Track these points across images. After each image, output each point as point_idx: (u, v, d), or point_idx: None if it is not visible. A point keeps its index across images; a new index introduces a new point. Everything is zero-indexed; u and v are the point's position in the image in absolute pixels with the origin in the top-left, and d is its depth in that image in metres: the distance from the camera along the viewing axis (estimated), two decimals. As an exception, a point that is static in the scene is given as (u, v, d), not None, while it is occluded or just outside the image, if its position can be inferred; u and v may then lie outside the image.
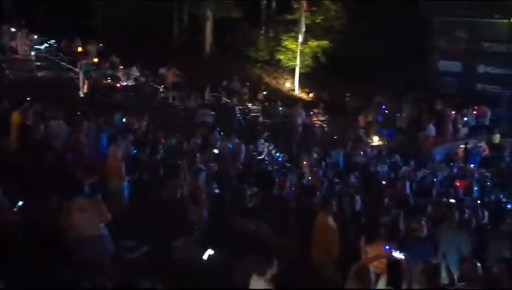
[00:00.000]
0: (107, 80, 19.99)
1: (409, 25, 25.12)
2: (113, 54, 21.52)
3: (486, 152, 21.83)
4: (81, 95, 18.43)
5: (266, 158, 15.95)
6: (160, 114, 17.23)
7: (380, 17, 26.24)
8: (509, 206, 15.65)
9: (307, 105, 23.83)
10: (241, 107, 21.16)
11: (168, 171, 10.64)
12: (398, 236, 8.74)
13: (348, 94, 25.60)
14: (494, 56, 24.35)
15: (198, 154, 12.41)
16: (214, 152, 13.61)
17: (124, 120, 14.36)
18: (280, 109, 21.93)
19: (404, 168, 16.39)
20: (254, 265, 6.49)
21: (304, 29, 26.04)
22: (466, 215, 11.24)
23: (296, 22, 26.76)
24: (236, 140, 15.22)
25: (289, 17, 27.68)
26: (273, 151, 16.70)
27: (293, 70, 27.49)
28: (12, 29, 20.55)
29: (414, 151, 19.54)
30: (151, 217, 8.96)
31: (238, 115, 20.30)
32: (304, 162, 15.00)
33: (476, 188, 17.23)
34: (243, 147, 14.74)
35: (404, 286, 6.13)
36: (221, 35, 28.88)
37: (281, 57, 28.71)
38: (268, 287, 6.26)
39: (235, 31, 28.96)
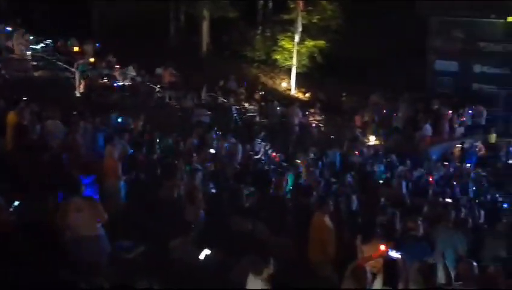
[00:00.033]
0: (103, 79, 19.96)
1: (405, 24, 25.16)
2: (109, 53, 21.49)
3: (483, 152, 21.89)
4: (78, 94, 18.40)
5: (263, 158, 15.96)
6: (156, 114, 17.21)
7: (376, 17, 26.28)
8: (505, 205, 15.72)
9: (304, 105, 23.83)
10: (237, 107, 21.15)
11: (164, 171, 10.64)
12: (395, 236, 8.77)
13: (344, 94, 25.64)
14: (491, 56, 24.39)
15: (194, 154, 12.40)
16: (210, 152, 13.61)
17: (120, 120, 14.34)
18: (277, 108, 21.93)
19: (401, 167, 16.41)
20: (251, 265, 6.50)
21: (300, 29, 26.05)
22: (462, 214, 11.28)
23: (292, 22, 26.77)
24: (233, 140, 15.22)
25: (285, 17, 27.67)
26: (269, 151, 16.70)
27: (290, 70, 27.51)
28: (8, 28, 20.52)
29: (410, 151, 19.58)
30: (147, 217, 8.96)
31: (235, 114, 20.29)
32: (300, 161, 15.01)
33: (472, 188, 17.29)
34: (240, 146, 14.75)
35: (400, 285, 6.13)
36: (218, 35, 28.87)
37: (278, 56, 28.72)
38: (265, 287, 6.26)
39: (231, 30, 28.96)
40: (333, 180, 13.97)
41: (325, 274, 8.35)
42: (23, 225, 7.44)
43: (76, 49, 21.57)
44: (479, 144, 22.01)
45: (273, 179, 11.79)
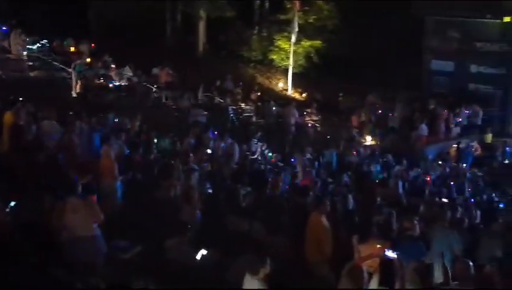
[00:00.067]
0: (99, 79, 19.94)
1: (402, 24, 25.19)
2: (105, 53, 21.47)
3: (479, 152, 21.93)
4: (74, 95, 18.37)
5: (259, 158, 15.97)
6: (153, 114, 17.19)
7: (372, 17, 26.31)
8: (501, 205, 15.75)
9: (300, 105, 23.84)
10: (234, 107, 21.15)
11: (161, 171, 10.64)
12: (391, 235, 8.77)
13: (341, 94, 25.64)
14: (487, 56, 24.41)
15: (191, 154, 12.40)
16: (207, 152, 13.61)
17: (116, 120, 14.33)
18: (273, 109, 21.94)
19: (397, 167, 16.43)
20: (247, 265, 6.50)
21: (296, 29, 26.07)
22: (458, 214, 11.30)
23: (289, 22, 26.77)
24: (230, 140, 15.23)
25: (282, 17, 27.69)
26: (266, 151, 16.71)
27: (286, 70, 27.52)
28: (4, 28, 20.48)
29: (407, 151, 19.60)
30: (144, 217, 8.94)
31: (232, 115, 20.29)
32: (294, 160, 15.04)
33: (468, 188, 17.32)
34: (236, 146, 14.76)
35: (397, 285, 6.14)
36: (215, 35, 28.87)
37: (274, 56, 28.73)
38: (262, 287, 6.26)
39: (228, 30, 28.95)
40: (330, 180, 13.98)
41: (322, 274, 8.36)
42: (19, 226, 7.43)
43: (72, 49, 21.55)
44: (475, 144, 22.05)
45: (270, 179, 11.80)
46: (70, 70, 18.98)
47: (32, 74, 19.64)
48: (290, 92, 27.22)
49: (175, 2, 28.45)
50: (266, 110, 21.83)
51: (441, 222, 9.36)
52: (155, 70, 22.46)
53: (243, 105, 22.22)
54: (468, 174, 19.16)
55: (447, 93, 24.61)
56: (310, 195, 10.55)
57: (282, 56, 28.22)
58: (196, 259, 7.92)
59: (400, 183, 13.80)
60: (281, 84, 28.02)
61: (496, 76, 24.30)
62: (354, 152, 17.82)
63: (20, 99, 13.32)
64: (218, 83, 23.28)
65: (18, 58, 19.61)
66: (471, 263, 7.09)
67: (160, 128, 15.00)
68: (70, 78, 18.79)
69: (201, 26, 28.32)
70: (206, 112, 19.16)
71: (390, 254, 6.20)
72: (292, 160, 15.38)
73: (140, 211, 9.24)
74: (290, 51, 26.98)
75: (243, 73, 27.85)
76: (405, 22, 25.01)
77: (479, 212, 13.32)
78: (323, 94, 26.40)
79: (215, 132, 15.75)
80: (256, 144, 16.83)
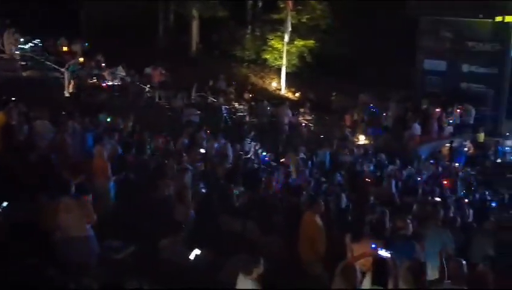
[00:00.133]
0: (92, 79, 19.89)
1: (395, 24, 25.24)
2: (98, 53, 21.41)
3: (471, 151, 22.01)
4: (67, 94, 18.31)
5: (253, 157, 15.97)
6: (146, 114, 17.17)
7: (366, 16, 26.36)
8: (493, 204, 15.83)
9: (293, 104, 23.87)
10: (227, 107, 21.14)
11: (154, 171, 10.62)
12: (384, 234, 8.78)
13: (334, 93, 25.68)
14: (479, 55, 24.50)
15: (184, 154, 12.39)
16: (200, 151, 13.60)
17: (109, 120, 14.29)
18: (267, 108, 21.94)
19: (390, 167, 16.47)
20: (241, 264, 6.50)
21: (289, 29, 26.10)
22: (451, 213, 11.33)
23: (282, 22, 26.80)
24: (223, 140, 15.22)
25: (275, 16, 27.71)
26: (259, 151, 16.71)
27: (280, 69, 27.54)
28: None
29: (400, 150, 19.65)
30: (137, 217, 8.93)
31: (225, 114, 20.28)
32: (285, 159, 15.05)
33: (460, 187, 17.39)
34: (229, 146, 14.76)
35: (390, 284, 6.15)
36: (208, 34, 28.85)
37: (267, 56, 28.74)
38: (255, 287, 6.26)
39: (221, 30, 28.95)
40: (323, 179, 13.99)
41: (316, 273, 8.36)
42: (11, 226, 7.40)
43: (65, 48, 21.48)
44: (467, 143, 22.13)
45: (263, 179, 11.80)
46: (63, 70, 18.91)
47: (24, 74, 19.57)
48: (284, 91, 27.24)
49: (167, 2, 28.42)
50: (259, 110, 21.84)
51: (434, 221, 9.37)
52: (148, 70, 22.43)
53: (236, 105, 22.21)
54: (460, 173, 19.23)
55: (440, 92, 24.66)
56: (303, 194, 10.57)
57: (276, 56, 28.23)
58: (189, 259, 7.90)
59: (393, 183, 13.83)
60: (274, 84, 28.03)
61: (488, 75, 24.38)
62: (347, 151, 17.84)
63: (13, 99, 13.26)
64: (211, 82, 23.28)
65: (11, 57, 19.53)
66: (464, 262, 7.10)
67: (154, 128, 14.98)
68: (63, 78, 18.72)
69: (194, 26, 28.30)
70: (199, 112, 19.15)
71: (384, 253, 6.21)
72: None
73: (134, 211, 9.23)
74: (283, 50, 27.00)
75: (236, 73, 27.84)
76: (398, 22, 25.05)
77: (471, 211, 13.38)
78: (316, 94, 26.43)
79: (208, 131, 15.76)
80: (249, 143, 16.83)
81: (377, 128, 22.02)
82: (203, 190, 10.81)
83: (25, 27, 21.40)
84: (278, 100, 24.29)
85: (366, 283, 6.27)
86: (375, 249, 6.26)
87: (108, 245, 8.01)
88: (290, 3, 26.02)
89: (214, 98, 21.95)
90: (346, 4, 26.77)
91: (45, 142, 11.32)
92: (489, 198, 16.84)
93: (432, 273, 7.80)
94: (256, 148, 16.82)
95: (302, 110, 23.05)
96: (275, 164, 15.38)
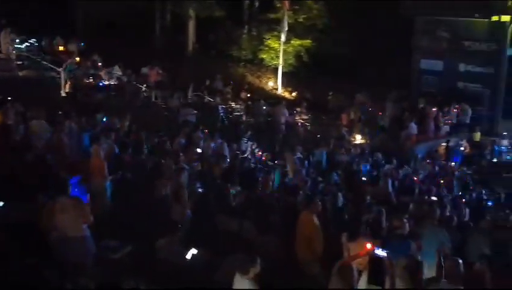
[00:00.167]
0: (89, 79, 19.86)
1: (391, 24, 25.28)
2: (94, 53, 21.39)
3: (468, 150, 22.05)
4: (63, 94, 18.28)
5: (249, 157, 15.96)
6: (143, 113, 17.17)
7: (362, 16, 26.39)
8: (490, 203, 15.88)
9: (290, 104, 23.87)
10: (224, 106, 21.14)
11: (151, 171, 10.61)
12: (381, 234, 8.80)
13: (330, 93, 25.70)
14: (475, 55, 24.54)
15: (181, 154, 12.38)
16: (197, 151, 13.59)
17: (105, 119, 14.28)
18: (263, 108, 21.95)
19: (387, 166, 16.49)
20: (237, 264, 6.50)
21: (286, 28, 26.13)
22: (447, 212, 11.36)
23: (278, 21, 26.83)
24: (220, 140, 15.22)
25: (272, 16, 27.75)
26: (256, 150, 16.71)
27: (276, 69, 27.57)
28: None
29: (396, 150, 19.67)
30: (134, 216, 8.92)
31: (221, 114, 20.28)
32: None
33: (457, 186, 17.43)
34: (226, 146, 14.75)
35: (386, 283, 6.16)
36: (204, 34, 28.86)
37: (264, 56, 28.77)
38: (252, 287, 6.26)
39: (217, 30, 28.96)
40: (320, 179, 14.00)
41: (313, 273, 8.37)
42: (7, 226, 7.39)
43: (61, 48, 21.45)
44: (464, 143, 22.17)
45: (260, 178, 11.80)
46: (59, 69, 18.89)
47: (21, 74, 19.54)
48: (280, 91, 27.26)
49: (164, 2, 28.42)
50: (256, 110, 21.84)
51: (430, 220, 9.39)
52: (144, 70, 22.41)
53: (233, 104, 22.22)
54: (457, 173, 19.27)
55: (436, 92, 24.71)
56: (300, 194, 10.57)
57: (272, 55, 28.26)
58: (186, 259, 7.90)
59: (390, 182, 13.85)
60: (270, 84, 28.05)
61: (484, 75, 24.41)
62: (344, 151, 17.85)
63: (9, 98, 13.23)
64: (208, 82, 23.27)
65: (7, 57, 19.49)
66: (460, 261, 7.12)
67: (150, 127, 14.97)
68: (60, 78, 18.69)
69: (191, 26, 28.30)
70: (196, 112, 19.13)
71: (380, 252, 6.21)
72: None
73: (130, 210, 9.22)
74: (279, 50, 27.03)
75: (233, 72, 27.86)
76: (395, 22, 25.10)
77: (468, 210, 13.41)
78: (313, 93, 26.44)
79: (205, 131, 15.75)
80: (246, 143, 16.82)
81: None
82: (200, 190, 10.81)
83: (21, 27, 21.35)
84: (274, 100, 24.30)
85: (362, 282, 6.27)
86: (372, 248, 6.27)
87: (105, 245, 8.00)
88: (287, 3, 26.04)
89: (210, 97, 21.94)
90: (343, 4, 26.79)
91: (42, 142, 11.30)
92: (485, 197, 16.89)
93: (429, 273, 7.80)
94: (253, 147, 16.82)
95: (298, 109, 23.04)
96: (272, 163, 15.39)
